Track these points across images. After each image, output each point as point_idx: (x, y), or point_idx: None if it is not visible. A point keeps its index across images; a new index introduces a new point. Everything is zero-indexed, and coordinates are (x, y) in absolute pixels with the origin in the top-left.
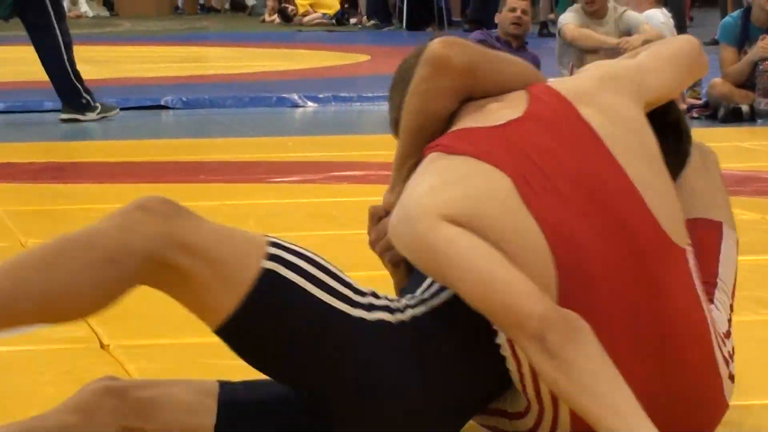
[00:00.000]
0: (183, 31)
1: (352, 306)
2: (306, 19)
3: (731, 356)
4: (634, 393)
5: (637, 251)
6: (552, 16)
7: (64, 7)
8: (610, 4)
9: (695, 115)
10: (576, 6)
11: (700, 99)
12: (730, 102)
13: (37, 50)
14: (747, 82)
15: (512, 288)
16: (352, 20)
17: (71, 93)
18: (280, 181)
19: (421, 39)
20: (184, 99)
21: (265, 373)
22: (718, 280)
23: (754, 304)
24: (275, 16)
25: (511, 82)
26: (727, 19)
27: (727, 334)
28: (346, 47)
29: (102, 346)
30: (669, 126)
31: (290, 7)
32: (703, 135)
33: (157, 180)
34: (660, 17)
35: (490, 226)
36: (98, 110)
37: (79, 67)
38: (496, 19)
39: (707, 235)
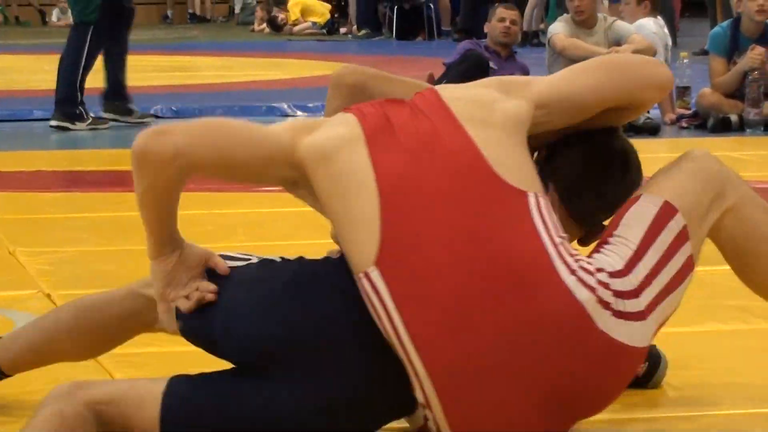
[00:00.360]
0: (172, 41)
1: (245, 261)
2: (296, 28)
3: (607, 286)
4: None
5: (466, 186)
6: (542, 26)
7: (105, 20)
8: (600, 15)
9: (684, 125)
10: (566, 16)
11: (689, 109)
12: (720, 112)
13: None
14: (736, 92)
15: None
16: (342, 30)
17: (69, 100)
18: (268, 190)
19: (410, 48)
20: (174, 108)
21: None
22: (610, 237)
23: (747, 315)
24: (264, 26)
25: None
26: (716, 29)
27: (617, 274)
28: (336, 56)
29: None
30: (616, 155)
31: (280, 17)
32: (692, 145)
33: None
34: (652, 26)
35: (333, 160)
36: (89, 122)
37: None
38: (486, 29)
39: (620, 210)
